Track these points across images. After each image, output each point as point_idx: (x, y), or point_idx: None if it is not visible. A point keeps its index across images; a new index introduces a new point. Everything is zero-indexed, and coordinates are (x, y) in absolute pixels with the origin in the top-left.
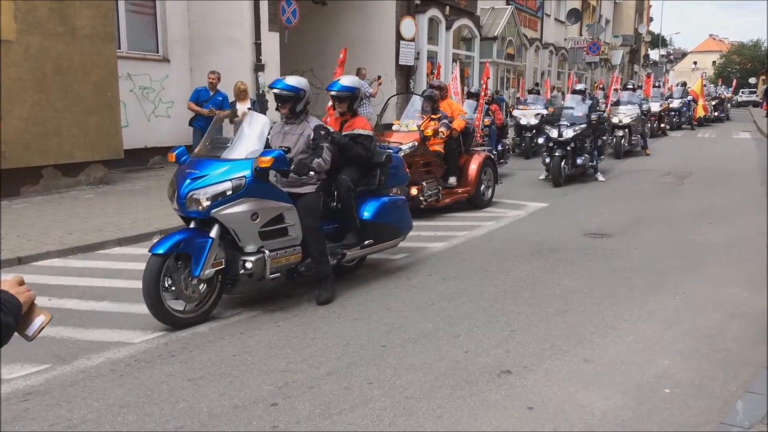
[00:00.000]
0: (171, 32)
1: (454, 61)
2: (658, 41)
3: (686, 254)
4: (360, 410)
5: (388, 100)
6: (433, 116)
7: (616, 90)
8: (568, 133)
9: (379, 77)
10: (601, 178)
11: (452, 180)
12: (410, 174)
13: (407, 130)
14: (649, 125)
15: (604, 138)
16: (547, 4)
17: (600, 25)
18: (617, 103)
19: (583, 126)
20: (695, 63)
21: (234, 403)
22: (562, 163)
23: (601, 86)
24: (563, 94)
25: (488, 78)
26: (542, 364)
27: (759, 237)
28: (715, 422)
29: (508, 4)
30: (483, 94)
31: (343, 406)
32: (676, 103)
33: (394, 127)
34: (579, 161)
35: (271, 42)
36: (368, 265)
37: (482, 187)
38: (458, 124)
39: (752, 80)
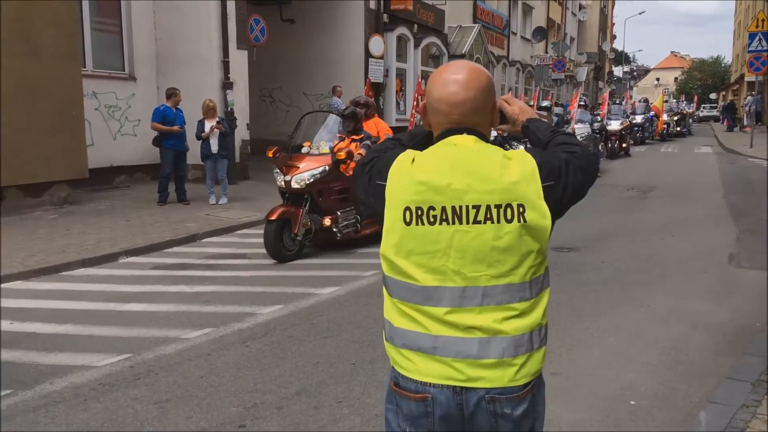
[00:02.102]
0: (137, 50)
1: (423, 78)
2: (621, 58)
3: (650, 267)
4: (329, 429)
5: (302, 118)
6: (354, 137)
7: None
8: None
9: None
10: None
11: None
12: (323, 202)
13: (318, 152)
14: (603, 145)
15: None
16: (513, 23)
17: (565, 43)
18: (568, 122)
19: None
20: (658, 79)
21: (201, 426)
22: None
23: (556, 103)
24: None
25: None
26: None
27: (719, 249)
28: None
29: (475, 22)
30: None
31: (312, 426)
32: (639, 119)
33: (303, 150)
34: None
35: (240, 60)
36: (339, 282)
37: None
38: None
39: (713, 96)
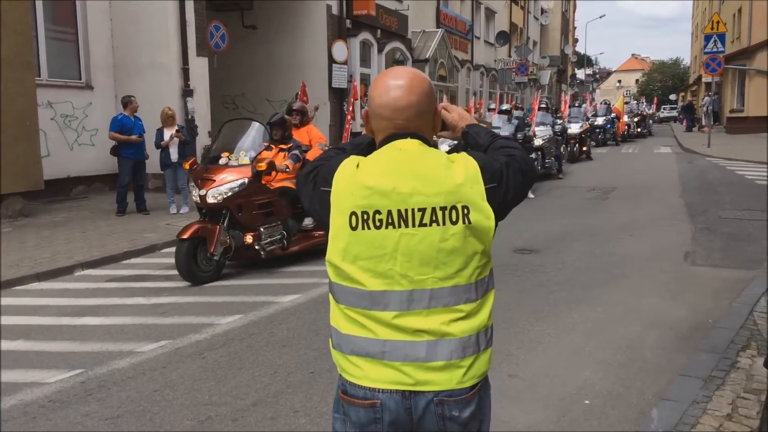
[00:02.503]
0: (94, 58)
1: (361, 82)
2: (583, 61)
3: (608, 267)
4: None
5: (222, 126)
6: (282, 146)
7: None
8: None
9: (317, 107)
10: (531, 194)
11: (308, 221)
12: (243, 217)
13: (238, 164)
14: (564, 147)
15: (531, 156)
16: (476, 27)
17: (527, 47)
18: (529, 125)
19: None
20: (620, 81)
21: None
22: None
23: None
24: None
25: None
26: None
27: (676, 248)
28: (631, 431)
29: (438, 27)
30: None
31: None
32: (600, 121)
33: (221, 161)
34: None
35: (200, 67)
36: (299, 290)
37: None
38: (313, 154)
39: (672, 97)
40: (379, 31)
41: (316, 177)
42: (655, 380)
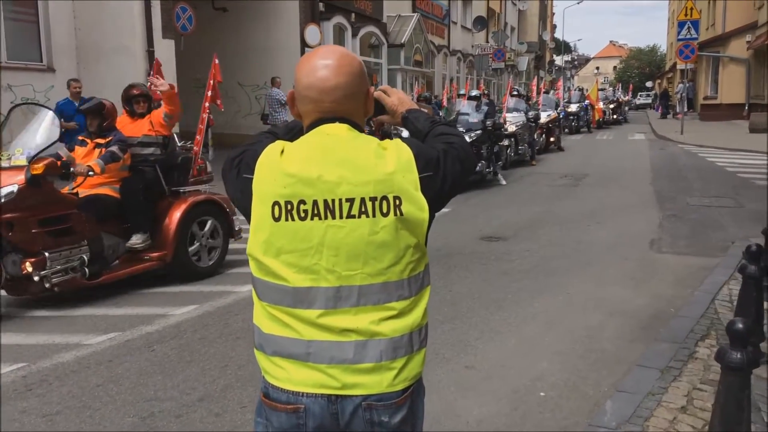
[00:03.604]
0: (56, 40)
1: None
2: (561, 48)
3: (574, 254)
4: None
5: (10, 112)
6: (100, 140)
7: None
8: None
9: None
10: (503, 181)
11: (137, 239)
12: (17, 237)
13: (10, 165)
14: (538, 133)
15: (502, 144)
16: (453, 12)
17: (504, 33)
18: (500, 110)
19: (478, 132)
20: (597, 68)
21: None
22: None
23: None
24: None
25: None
26: (425, 374)
27: (642, 235)
28: (584, 424)
29: (414, 11)
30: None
31: None
32: (573, 107)
33: None
34: (476, 168)
35: (166, 50)
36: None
37: (195, 247)
38: (128, 156)
39: (649, 84)
40: (353, 14)
41: (240, 163)
42: (613, 371)
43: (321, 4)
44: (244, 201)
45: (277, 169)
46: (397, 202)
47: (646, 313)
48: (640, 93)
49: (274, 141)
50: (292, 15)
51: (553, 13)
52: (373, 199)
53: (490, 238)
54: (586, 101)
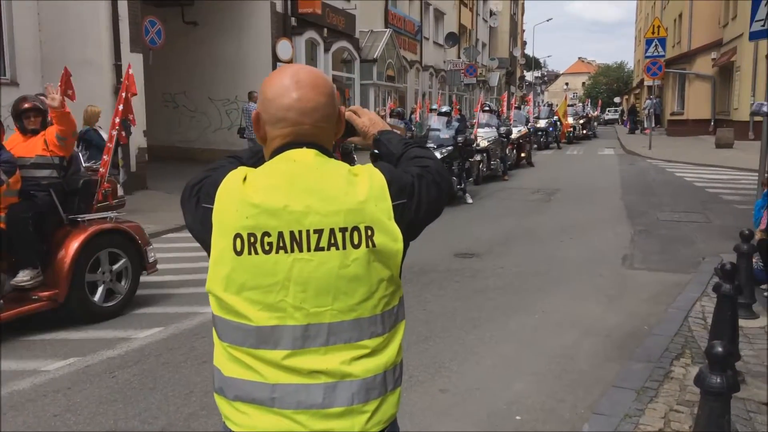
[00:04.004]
0: (20, 53)
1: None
2: (532, 63)
3: (548, 271)
4: None
5: None
6: None
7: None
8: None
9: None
10: (469, 200)
11: (24, 275)
12: None
13: None
14: (510, 149)
15: (472, 160)
16: (425, 28)
17: (476, 49)
18: (472, 126)
19: (449, 148)
20: (567, 84)
21: None
22: None
23: (457, 107)
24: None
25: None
26: None
27: (615, 251)
28: None
29: (386, 27)
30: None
31: None
32: (543, 123)
33: None
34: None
35: (134, 64)
36: None
37: (100, 287)
38: (15, 179)
39: (617, 99)
40: (325, 30)
41: (200, 191)
42: (589, 391)
43: (293, 19)
44: (203, 233)
45: (240, 199)
46: (369, 232)
47: (620, 332)
48: (608, 108)
49: (237, 166)
50: (263, 29)
51: (524, 30)
52: (343, 230)
53: (464, 255)
54: (555, 117)
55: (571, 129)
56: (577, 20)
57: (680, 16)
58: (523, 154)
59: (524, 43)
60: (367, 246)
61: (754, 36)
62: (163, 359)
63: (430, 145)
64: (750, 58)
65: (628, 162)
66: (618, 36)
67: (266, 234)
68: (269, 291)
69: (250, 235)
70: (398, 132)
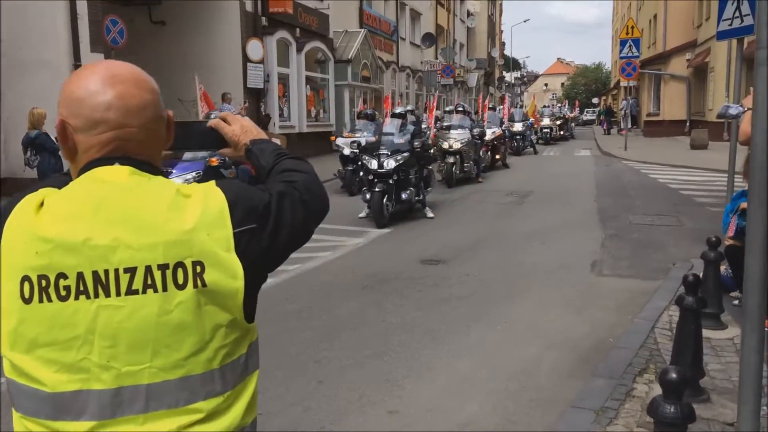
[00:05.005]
0: None
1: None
2: (510, 64)
3: (515, 278)
4: None
5: None
6: None
7: (447, 112)
8: (390, 164)
9: (246, 102)
10: (429, 214)
11: None
12: None
13: None
14: (484, 151)
15: (431, 168)
16: (401, 28)
17: (453, 49)
18: (448, 128)
19: (405, 155)
20: (546, 85)
21: None
22: (384, 200)
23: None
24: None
25: None
26: (344, 422)
27: (584, 256)
28: None
29: (361, 27)
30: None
31: None
32: (519, 126)
33: None
34: (404, 196)
35: None
36: None
37: None
38: None
39: (595, 100)
40: (298, 30)
41: None
42: (547, 411)
43: (263, 19)
44: None
45: (29, 232)
46: (198, 269)
47: (585, 344)
48: (586, 109)
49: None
50: (233, 29)
51: (502, 31)
52: (163, 268)
53: (430, 261)
54: (531, 119)
55: (548, 130)
56: (555, 21)
57: (655, 17)
58: (497, 156)
59: (503, 44)
60: (195, 286)
61: (722, 36)
62: None
63: (383, 151)
64: (723, 59)
65: (605, 163)
66: (596, 37)
67: (62, 276)
68: (68, 348)
69: (41, 277)
70: (277, 141)
